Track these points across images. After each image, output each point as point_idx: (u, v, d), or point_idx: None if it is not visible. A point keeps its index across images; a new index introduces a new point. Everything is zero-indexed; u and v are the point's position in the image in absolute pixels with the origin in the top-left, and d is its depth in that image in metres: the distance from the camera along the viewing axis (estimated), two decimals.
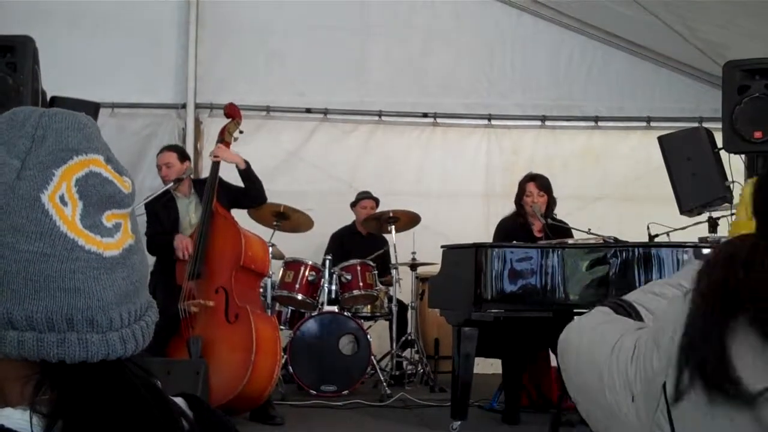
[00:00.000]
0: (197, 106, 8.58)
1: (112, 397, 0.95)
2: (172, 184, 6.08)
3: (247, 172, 6.06)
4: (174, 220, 6.10)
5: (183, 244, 5.85)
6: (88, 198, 0.96)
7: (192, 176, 6.39)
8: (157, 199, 6.09)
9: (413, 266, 7.66)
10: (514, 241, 5.92)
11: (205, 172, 6.43)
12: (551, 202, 6.41)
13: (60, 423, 0.91)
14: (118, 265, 0.97)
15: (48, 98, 5.36)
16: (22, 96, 4.95)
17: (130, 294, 0.98)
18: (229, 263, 5.76)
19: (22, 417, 0.91)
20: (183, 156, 6.32)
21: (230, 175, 6.18)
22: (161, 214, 6.08)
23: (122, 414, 0.94)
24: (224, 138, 6.12)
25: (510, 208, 6.55)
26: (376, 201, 8.03)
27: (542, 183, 6.39)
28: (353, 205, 8.09)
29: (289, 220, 7.32)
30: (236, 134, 6.18)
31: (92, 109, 5.48)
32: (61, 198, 0.94)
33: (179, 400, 1.06)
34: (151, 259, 6.19)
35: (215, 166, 6.00)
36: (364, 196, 8.06)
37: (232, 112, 6.24)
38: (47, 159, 0.95)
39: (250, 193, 6.11)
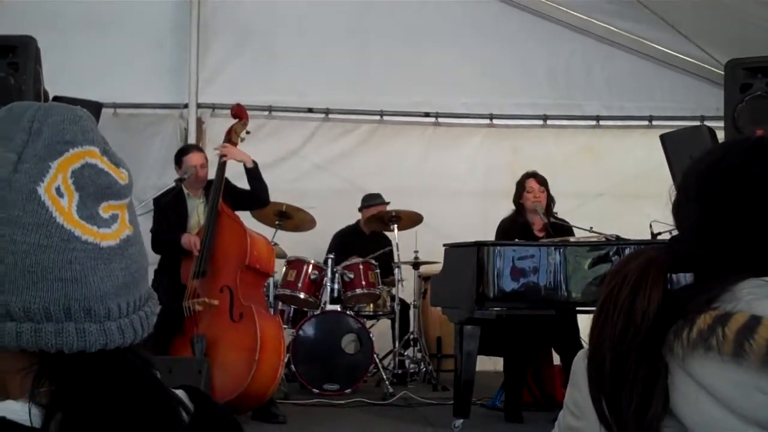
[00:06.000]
0: (199, 106, 8.58)
1: (110, 387, 0.95)
2: (176, 183, 6.08)
3: (254, 171, 6.05)
4: (182, 218, 6.10)
5: (191, 242, 5.85)
6: (84, 189, 0.96)
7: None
8: (166, 194, 6.09)
9: (416, 265, 7.66)
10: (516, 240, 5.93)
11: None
12: (550, 200, 6.43)
13: (59, 414, 0.91)
14: (115, 256, 0.97)
15: (50, 98, 5.37)
16: (24, 96, 4.95)
17: (129, 284, 0.99)
18: (235, 262, 5.76)
19: (23, 409, 0.92)
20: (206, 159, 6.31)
21: (236, 179, 6.19)
22: (169, 211, 6.07)
23: (120, 404, 0.94)
24: (231, 138, 6.14)
25: (510, 207, 6.55)
26: (387, 204, 7.99)
27: (542, 180, 6.41)
28: (365, 208, 8.01)
29: (291, 219, 7.33)
30: (243, 135, 6.19)
31: (94, 108, 5.47)
32: (57, 189, 0.94)
33: (180, 392, 1.06)
34: (155, 257, 6.20)
35: (222, 166, 6.01)
36: (380, 201, 7.98)
37: (239, 112, 6.25)
38: (43, 152, 0.95)
39: (255, 193, 6.08)
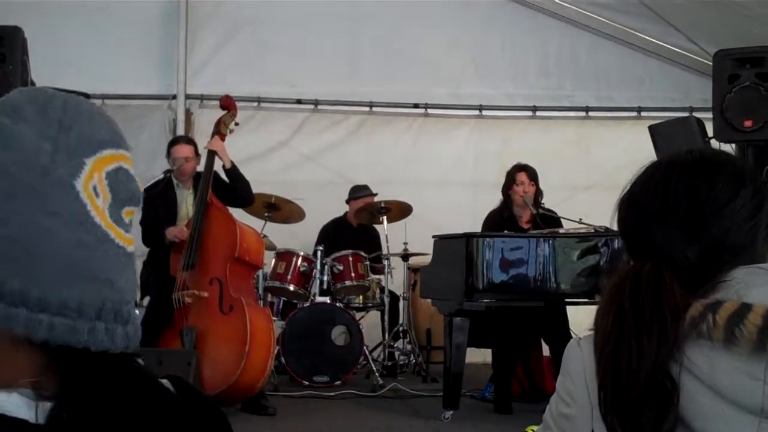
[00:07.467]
0: (188, 97, 8.56)
1: (124, 388, 0.95)
2: (164, 173, 6.05)
3: (232, 173, 6.02)
4: (171, 210, 6.07)
5: (175, 232, 5.83)
6: (117, 193, 0.97)
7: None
8: (155, 186, 6.05)
9: (405, 257, 7.65)
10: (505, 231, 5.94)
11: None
12: (539, 193, 6.43)
13: (65, 413, 0.91)
14: (131, 261, 0.99)
15: None
16: (11, 86, 4.91)
17: (134, 290, 1.00)
18: (224, 254, 5.75)
19: (28, 405, 0.91)
20: (197, 151, 6.25)
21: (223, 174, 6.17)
22: (159, 203, 6.03)
23: (130, 407, 0.95)
24: (220, 129, 6.11)
25: (500, 198, 6.54)
26: (374, 195, 7.97)
27: (532, 173, 6.41)
28: (352, 199, 7.99)
29: (280, 210, 7.31)
30: (232, 126, 6.17)
31: None
32: (95, 189, 0.94)
33: (164, 382, 1.06)
34: (144, 249, 6.17)
35: (210, 157, 5.98)
36: (367, 193, 7.96)
37: (228, 104, 6.23)
38: (77, 147, 0.94)
39: (238, 193, 6.07)
